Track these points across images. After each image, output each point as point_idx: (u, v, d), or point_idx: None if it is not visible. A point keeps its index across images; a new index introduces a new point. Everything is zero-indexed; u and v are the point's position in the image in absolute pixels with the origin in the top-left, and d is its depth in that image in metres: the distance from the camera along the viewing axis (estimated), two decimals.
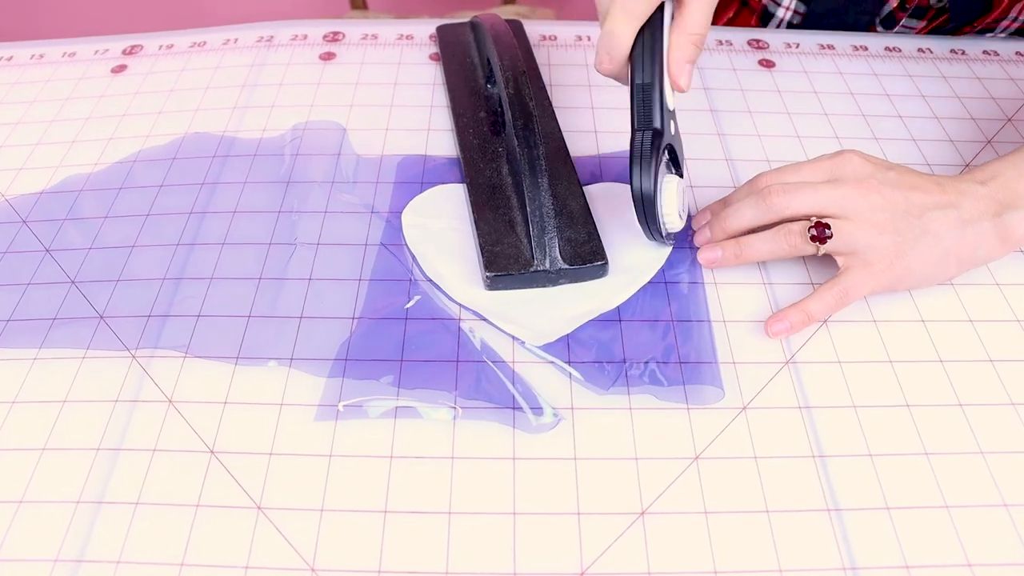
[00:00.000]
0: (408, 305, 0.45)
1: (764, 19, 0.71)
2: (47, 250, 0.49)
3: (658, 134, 0.43)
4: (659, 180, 0.43)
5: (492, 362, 0.42)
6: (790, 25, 0.70)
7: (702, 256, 0.47)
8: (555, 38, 0.67)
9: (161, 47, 0.66)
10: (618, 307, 0.45)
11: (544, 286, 0.45)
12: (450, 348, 0.43)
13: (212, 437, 0.40)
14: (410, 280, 0.46)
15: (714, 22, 0.73)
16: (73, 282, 0.47)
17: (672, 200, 0.44)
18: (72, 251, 0.49)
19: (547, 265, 0.45)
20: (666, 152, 0.45)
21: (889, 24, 0.67)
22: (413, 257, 0.47)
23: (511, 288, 0.45)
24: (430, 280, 0.46)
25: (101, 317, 0.45)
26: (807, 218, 0.44)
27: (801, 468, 0.39)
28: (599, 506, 0.37)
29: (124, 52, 0.66)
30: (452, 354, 0.43)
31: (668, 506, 0.37)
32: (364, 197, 0.52)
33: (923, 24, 0.67)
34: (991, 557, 0.36)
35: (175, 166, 0.54)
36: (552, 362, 0.42)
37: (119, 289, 0.46)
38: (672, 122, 0.45)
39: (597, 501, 0.37)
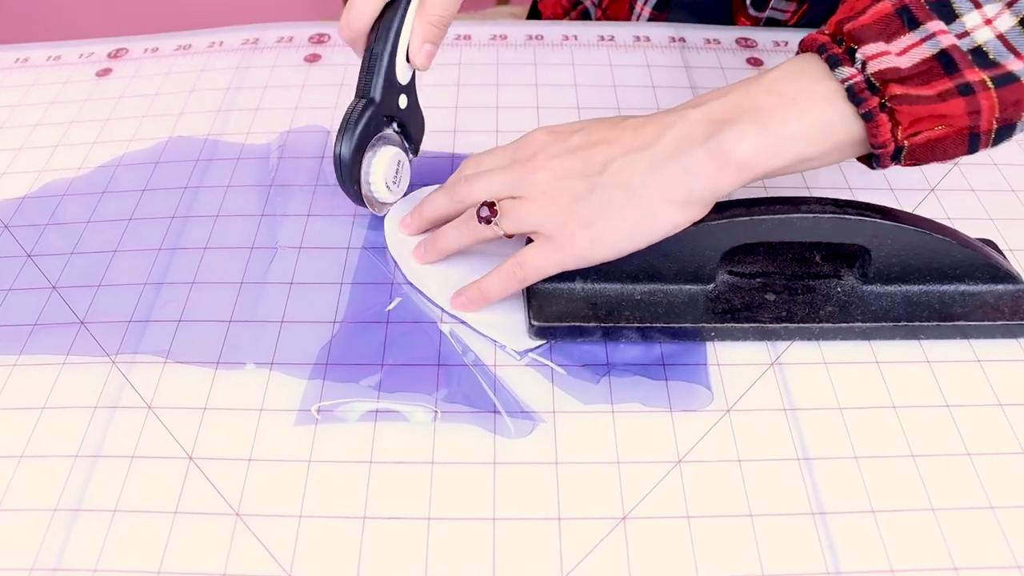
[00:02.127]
0: (389, 307, 0.45)
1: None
2: (28, 255, 0.49)
3: (372, 103, 0.45)
4: (371, 148, 0.46)
5: (474, 366, 0.42)
6: (656, 7, 0.70)
7: (414, 255, 0.47)
8: (542, 38, 0.66)
9: (146, 50, 0.66)
10: None
11: None
12: (431, 352, 0.43)
13: (191, 443, 0.39)
14: (392, 284, 0.46)
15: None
16: (54, 287, 0.47)
17: (380, 169, 0.46)
18: (54, 256, 0.49)
19: None
20: (391, 125, 0.48)
21: (760, 6, 0.67)
22: (395, 261, 0.47)
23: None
24: (412, 284, 0.46)
25: (82, 323, 0.45)
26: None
27: (786, 471, 0.38)
28: (580, 511, 0.37)
29: (109, 55, 0.66)
30: (433, 358, 0.42)
31: (650, 511, 0.37)
32: (347, 200, 0.51)
33: (793, 7, 0.67)
34: (977, 560, 0.36)
35: (158, 170, 0.54)
36: (536, 361, 0.42)
37: (100, 294, 0.46)
38: (405, 97, 0.48)
39: (578, 506, 0.37)
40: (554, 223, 0.40)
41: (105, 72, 0.64)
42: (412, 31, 0.46)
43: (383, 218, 0.49)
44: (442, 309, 0.45)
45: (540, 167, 0.41)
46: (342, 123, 0.45)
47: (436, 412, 0.40)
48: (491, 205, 0.42)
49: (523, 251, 0.42)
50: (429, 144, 0.55)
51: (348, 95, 0.59)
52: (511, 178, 0.42)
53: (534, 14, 0.85)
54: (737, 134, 0.38)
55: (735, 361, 0.43)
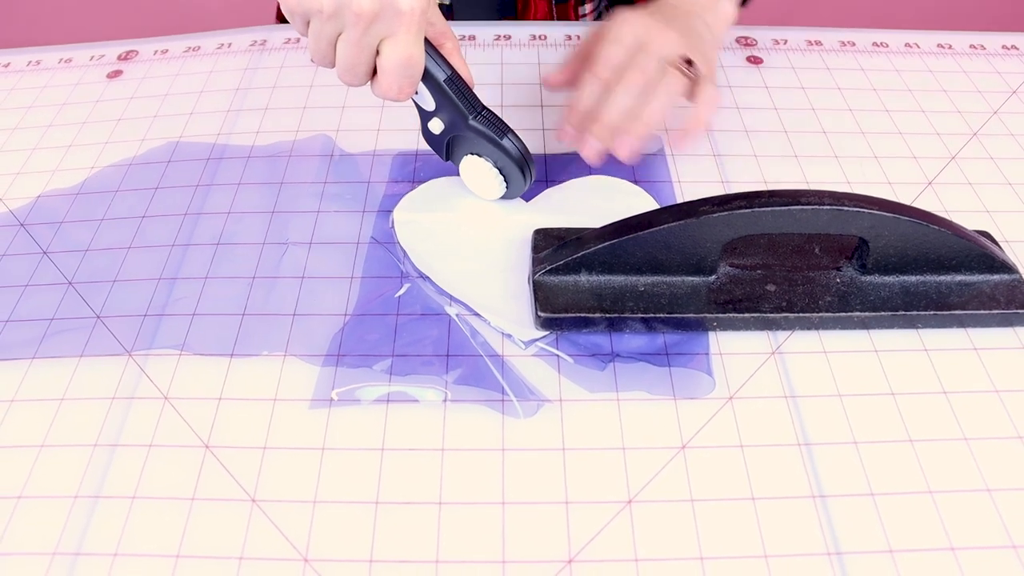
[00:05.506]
0: (399, 293, 0.46)
1: None
2: (44, 252, 0.50)
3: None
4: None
5: (483, 354, 0.43)
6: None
7: (622, 152, 0.50)
8: (545, 38, 0.67)
9: (156, 52, 0.67)
10: None
11: None
12: (441, 339, 0.44)
13: (207, 432, 0.40)
14: (402, 276, 0.47)
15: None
16: (70, 283, 0.48)
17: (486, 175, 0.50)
18: (69, 253, 0.50)
19: None
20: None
21: None
22: (405, 253, 0.48)
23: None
24: (422, 275, 0.47)
25: (98, 317, 0.46)
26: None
27: (786, 456, 0.39)
28: (587, 495, 0.38)
29: (119, 57, 0.67)
30: (443, 345, 0.43)
31: (655, 494, 0.38)
32: (356, 196, 0.52)
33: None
34: (974, 541, 0.36)
35: (170, 169, 0.55)
36: (543, 351, 0.43)
37: (115, 290, 0.47)
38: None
39: (585, 490, 0.38)
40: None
41: (116, 74, 0.65)
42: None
43: (391, 212, 0.51)
44: (451, 297, 0.46)
45: (658, 37, 0.51)
46: (498, 124, 0.48)
47: (447, 394, 0.41)
48: (687, 60, 0.51)
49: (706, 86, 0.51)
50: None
51: (354, 95, 0.61)
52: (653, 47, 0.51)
53: None
54: (727, 3, 0.58)
55: (737, 350, 0.44)
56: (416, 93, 0.47)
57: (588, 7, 0.73)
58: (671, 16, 0.54)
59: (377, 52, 0.44)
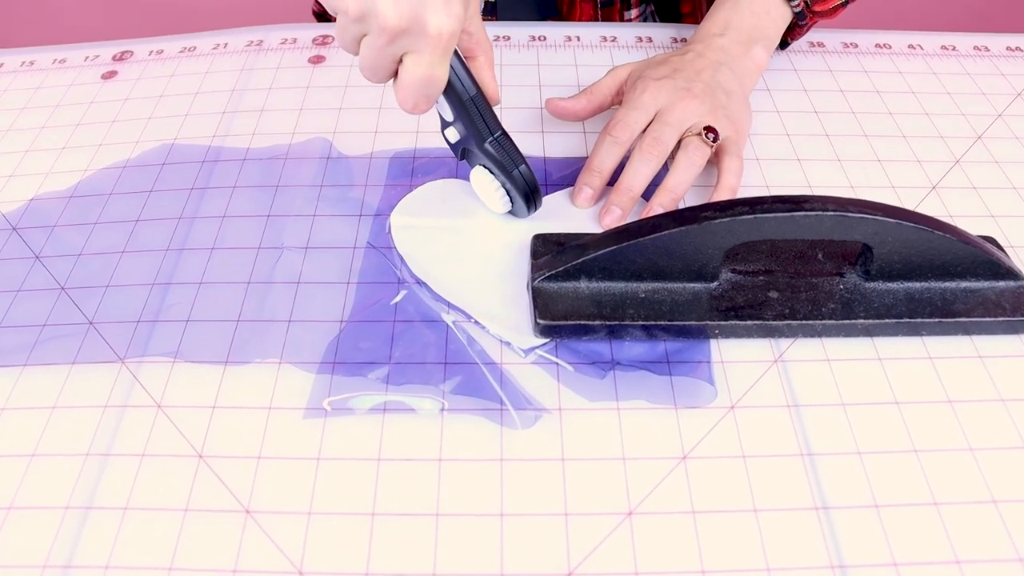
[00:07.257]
0: (395, 300, 0.45)
1: None
2: (37, 257, 0.49)
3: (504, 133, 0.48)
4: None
5: (480, 363, 0.42)
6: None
7: (604, 221, 0.50)
8: (544, 39, 0.67)
9: (151, 53, 0.66)
10: None
11: None
12: (438, 347, 0.43)
13: (201, 441, 0.40)
14: (398, 282, 0.47)
15: None
16: (63, 288, 0.47)
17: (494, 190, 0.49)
18: (62, 257, 0.49)
19: None
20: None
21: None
22: (401, 259, 0.48)
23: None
24: (419, 281, 0.46)
25: (91, 323, 0.45)
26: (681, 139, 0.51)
27: (789, 466, 0.39)
28: (587, 507, 0.37)
29: (114, 58, 0.66)
30: (440, 353, 0.43)
31: (656, 506, 0.37)
32: (353, 199, 0.52)
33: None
34: (980, 554, 0.36)
35: (164, 171, 0.55)
36: (543, 358, 0.43)
37: (108, 295, 0.47)
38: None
39: (585, 501, 0.37)
40: (722, 128, 0.52)
41: (110, 75, 0.64)
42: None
43: (388, 217, 0.50)
44: (448, 305, 0.45)
45: (690, 96, 0.52)
46: (518, 156, 0.47)
47: (443, 404, 0.41)
48: (711, 129, 0.51)
49: (729, 154, 0.51)
50: (436, 144, 0.56)
51: (352, 96, 0.60)
52: (690, 112, 0.51)
53: None
54: (761, 51, 0.58)
55: (739, 358, 0.43)
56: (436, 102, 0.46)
57: (634, 12, 0.72)
58: (698, 70, 0.54)
59: (400, 60, 0.43)
